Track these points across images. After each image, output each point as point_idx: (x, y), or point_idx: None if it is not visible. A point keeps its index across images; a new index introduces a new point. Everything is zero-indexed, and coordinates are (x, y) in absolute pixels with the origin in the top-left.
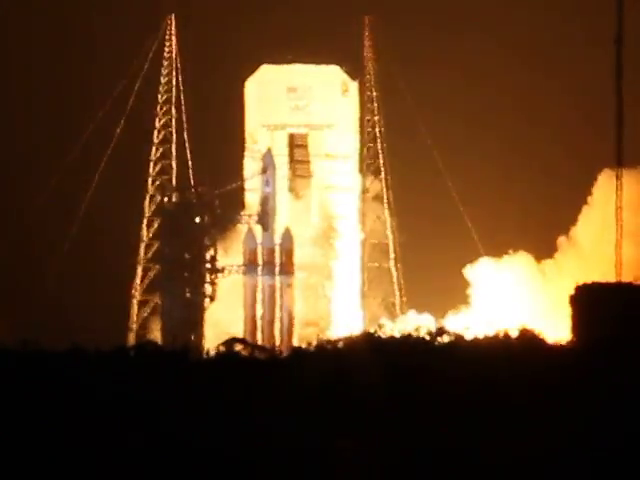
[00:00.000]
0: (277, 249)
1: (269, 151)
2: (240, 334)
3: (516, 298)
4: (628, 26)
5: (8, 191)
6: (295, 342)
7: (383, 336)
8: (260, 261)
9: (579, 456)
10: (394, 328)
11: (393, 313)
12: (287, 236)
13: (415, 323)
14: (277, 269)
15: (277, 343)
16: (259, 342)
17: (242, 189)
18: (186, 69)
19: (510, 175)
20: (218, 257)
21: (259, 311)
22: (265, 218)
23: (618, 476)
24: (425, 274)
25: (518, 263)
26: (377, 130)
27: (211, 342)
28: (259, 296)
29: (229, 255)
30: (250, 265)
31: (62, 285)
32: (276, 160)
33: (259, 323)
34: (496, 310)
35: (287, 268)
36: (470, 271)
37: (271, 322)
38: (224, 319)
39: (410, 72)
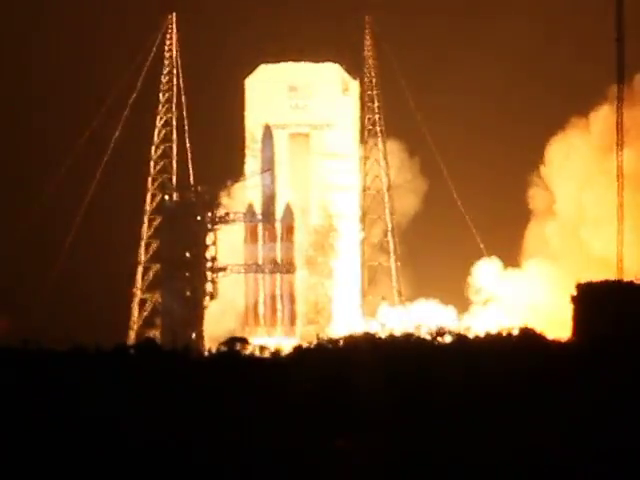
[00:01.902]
0: (278, 225)
1: (267, 127)
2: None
3: (520, 299)
4: None
5: (9, 190)
6: (296, 314)
7: (383, 336)
8: (260, 237)
9: (579, 453)
10: (398, 319)
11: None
12: (288, 212)
13: (423, 312)
14: (278, 244)
15: (279, 317)
16: (261, 317)
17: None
18: (187, 68)
19: (511, 173)
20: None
21: (260, 286)
22: (268, 217)
23: (617, 473)
24: (425, 274)
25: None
26: (377, 129)
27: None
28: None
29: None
30: (250, 240)
31: (63, 284)
32: (275, 159)
33: (261, 297)
34: (498, 310)
35: (288, 243)
36: (476, 272)
37: (272, 295)
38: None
39: (409, 71)
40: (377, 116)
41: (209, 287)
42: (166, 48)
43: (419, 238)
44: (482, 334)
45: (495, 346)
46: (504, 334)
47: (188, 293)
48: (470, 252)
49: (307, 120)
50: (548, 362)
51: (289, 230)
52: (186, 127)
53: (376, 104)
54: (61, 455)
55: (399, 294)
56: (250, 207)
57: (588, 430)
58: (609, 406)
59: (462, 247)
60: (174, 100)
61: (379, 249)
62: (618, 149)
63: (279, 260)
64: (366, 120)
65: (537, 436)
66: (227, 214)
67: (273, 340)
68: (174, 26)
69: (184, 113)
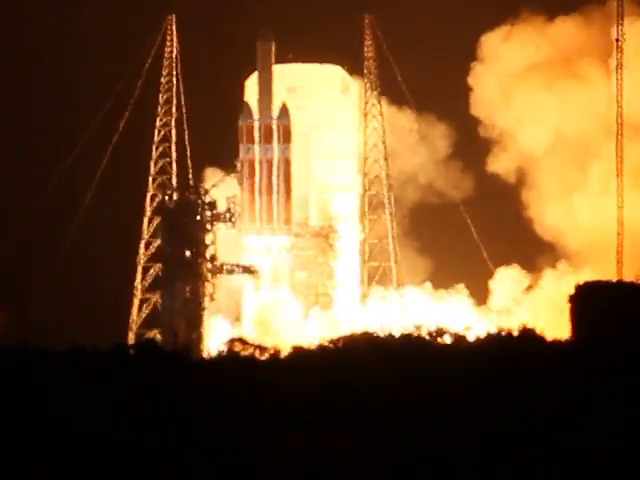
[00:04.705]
0: (274, 123)
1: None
2: None
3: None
4: None
5: (9, 189)
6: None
7: (382, 335)
8: (257, 134)
9: (578, 455)
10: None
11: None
12: (284, 112)
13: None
14: (274, 141)
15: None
16: (257, 211)
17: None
18: (186, 69)
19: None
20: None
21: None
22: (233, 217)
23: (617, 474)
24: (424, 273)
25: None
26: (378, 129)
27: None
28: (257, 166)
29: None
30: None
31: (62, 284)
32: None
33: (256, 196)
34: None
35: (284, 140)
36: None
37: (269, 194)
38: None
39: (408, 71)
40: (377, 116)
41: (209, 288)
42: (166, 49)
43: (420, 238)
44: (483, 334)
45: (494, 346)
46: (503, 334)
47: (188, 293)
48: (468, 254)
49: (307, 121)
50: (547, 363)
51: (285, 130)
52: (186, 128)
53: (374, 103)
54: (58, 456)
55: (399, 293)
56: (247, 106)
57: (586, 430)
58: (606, 406)
59: (460, 249)
60: (174, 101)
61: (379, 250)
62: (617, 151)
63: (275, 159)
64: (366, 119)
65: (535, 436)
66: (219, 215)
67: (268, 239)
68: (174, 27)
69: (183, 114)
